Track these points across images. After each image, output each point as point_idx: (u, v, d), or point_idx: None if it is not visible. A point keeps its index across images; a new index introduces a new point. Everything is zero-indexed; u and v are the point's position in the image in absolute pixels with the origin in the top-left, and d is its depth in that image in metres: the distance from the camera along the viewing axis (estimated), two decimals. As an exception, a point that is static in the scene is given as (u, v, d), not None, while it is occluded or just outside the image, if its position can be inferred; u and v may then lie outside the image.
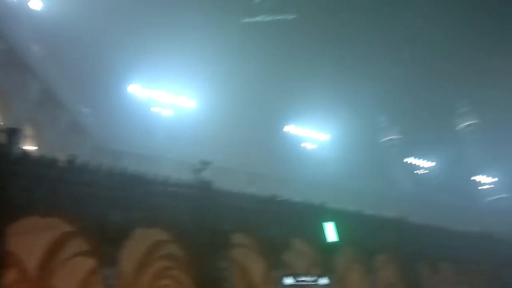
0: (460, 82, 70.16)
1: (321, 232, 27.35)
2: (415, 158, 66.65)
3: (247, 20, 63.37)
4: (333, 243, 27.25)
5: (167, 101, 46.00)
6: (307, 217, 27.91)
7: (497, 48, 68.68)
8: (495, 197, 65.44)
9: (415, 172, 66.78)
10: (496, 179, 66.62)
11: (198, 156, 26.52)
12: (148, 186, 21.40)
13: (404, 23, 68.09)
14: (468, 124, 71.66)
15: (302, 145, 56.21)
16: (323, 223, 27.64)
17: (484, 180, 66.84)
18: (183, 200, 22.41)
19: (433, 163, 66.88)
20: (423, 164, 66.85)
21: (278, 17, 65.43)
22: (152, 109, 46.06)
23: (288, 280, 24.72)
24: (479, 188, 67.12)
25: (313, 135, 56.51)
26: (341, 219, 28.47)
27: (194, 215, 22.33)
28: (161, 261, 24.90)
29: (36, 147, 31.69)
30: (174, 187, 22.56)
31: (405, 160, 66.86)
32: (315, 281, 25.45)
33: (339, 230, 27.60)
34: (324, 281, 25.63)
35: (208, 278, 21.29)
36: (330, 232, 27.55)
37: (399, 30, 68.69)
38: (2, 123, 27.74)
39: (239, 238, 24.23)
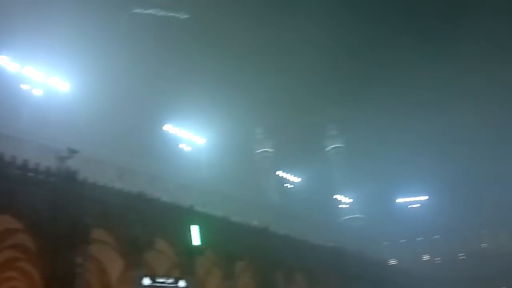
0: (332, 107, 75.66)
1: (185, 234, 27.29)
2: (285, 172, 69.77)
3: (138, 10, 61.49)
4: (196, 247, 27.33)
5: (38, 79, 42.41)
6: (173, 218, 27.66)
7: (369, 78, 75.15)
8: (350, 216, 71.05)
9: (284, 185, 69.89)
10: (351, 200, 72.21)
11: (66, 143, 24.92)
12: (2, 168, 19.54)
13: (284, 43, 71.72)
14: (335, 146, 76.74)
15: (179, 146, 55.65)
16: (188, 226, 27.62)
17: (343, 199, 72.27)
18: (41, 188, 20.78)
19: (300, 179, 70.62)
20: (292, 178, 70.27)
21: (169, 14, 64.45)
22: (21, 86, 42.02)
23: (146, 281, 24.21)
24: (339, 206, 72.35)
25: (191, 137, 56.16)
26: (206, 223, 28.71)
27: (52, 205, 20.83)
28: (8, 251, 22.91)
29: None
30: (32, 173, 20.85)
31: (276, 173, 69.61)
32: (174, 283, 25.27)
33: (203, 234, 27.78)
34: (182, 284, 25.57)
35: (59, 273, 19.94)
36: (195, 235, 27.62)
37: (280, 49, 72.04)
38: None
39: (99, 234, 23.13)
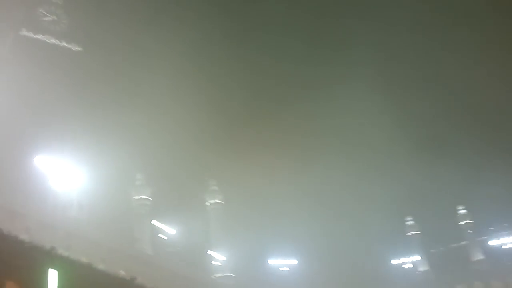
0: (214, 161, 76.02)
1: (42, 279, 24.50)
2: (161, 222, 67.52)
3: (26, 32, 57.82)
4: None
5: None
6: (30, 260, 24.79)
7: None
8: (222, 274, 70.04)
9: (158, 235, 67.34)
10: (225, 257, 71.58)
11: None
12: None
13: (164, 87, 71.49)
14: (214, 202, 76.50)
15: (50, 181, 51.23)
16: (46, 270, 24.92)
17: (217, 256, 71.34)
18: None
19: (175, 231, 68.73)
20: (167, 229, 68.12)
21: (62, 44, 61.56)
22: None
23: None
24: (212, 262, 71.18)
25: (64, 173, 52.10)
26: (68, 269, 26.22)
27: None
28: None
29: None
30: None
31: (151, 222, 66.98)
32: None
33: (62, 280, 25.22)
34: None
35: None
36: (52, 281, 24.95)
37: (161, 94, 71.51)
38: None
39: None
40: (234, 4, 78.87)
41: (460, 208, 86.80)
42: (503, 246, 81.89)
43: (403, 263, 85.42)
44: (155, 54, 70.82)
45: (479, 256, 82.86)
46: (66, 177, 52.30)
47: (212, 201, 76.16)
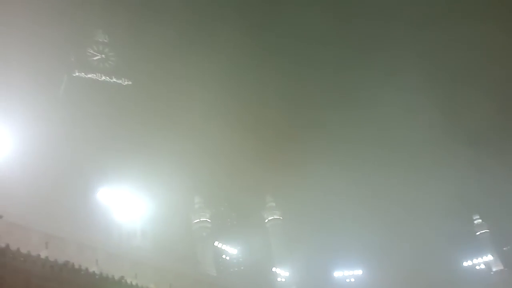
0: (270, 177, 76.41)
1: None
2: (222, 243, 68.31)
3: (78, 73, 61.13)
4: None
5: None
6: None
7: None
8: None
9: (221, 256, 68.14)
10: (288, 273, 71.14)
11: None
12: None
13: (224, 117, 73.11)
14: (273, 218, 76.50)
15: (114, 212, 53.28)
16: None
17: (281, 272, 71.09)
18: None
19: (237, 250, 69.25)
20: (229, 249, 68.79)
21: (112, 80, 64.52)
22: None
23: None
24: (277, 279, 71.01)
25: (130, 200, 53.99)
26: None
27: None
28: None
29: None
30: None
31: (213, 244, 67.93)
32: None
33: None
34: None
35: None
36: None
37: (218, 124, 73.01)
38: None
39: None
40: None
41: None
42: None
43: (475, 264, 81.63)
44: (196, 82, 72.83)
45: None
46: (128, 207, 54.16)
47: (270, 217, 76.26)
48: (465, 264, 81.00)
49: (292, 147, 77.90)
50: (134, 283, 29.61)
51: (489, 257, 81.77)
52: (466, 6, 79.99)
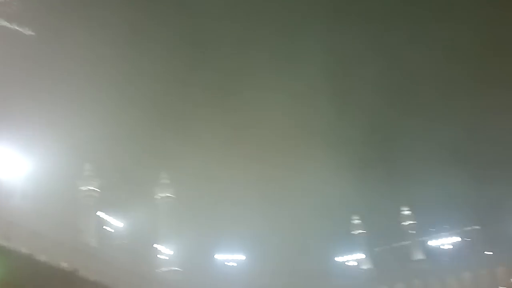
0: (165, 152, 75.17)
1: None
2: (107, 214, 66.29)
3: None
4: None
5: None
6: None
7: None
8: (168, 269, 69.61)
9: (104, 227, 66.11)
10: (172, 252, 71.11)
11: None
12: None
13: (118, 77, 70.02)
14: (164, 196, 75.71)
15: None
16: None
17: (164, 250, 70.84)
18: None
19: (122, 224, 67.67)
20: (114, 222, 66.98)
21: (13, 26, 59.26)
22: None
23: None
24: (158, 256, 70.60)
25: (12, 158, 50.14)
26: (6, 259, 25.53)
27: None
28: None
29: None
30: None
31: (97, 214, 65.66)
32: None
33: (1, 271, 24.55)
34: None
35: None
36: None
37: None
38: None
39: None
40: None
41: (404, 209, 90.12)
42: (441, 247, 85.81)
43: (347, 261, 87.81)
44: (85, 45, 68.79)
45: (419, 255, 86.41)
46: (10, 165, 50.49)
47: (162, 195, 75.48)
48: (337, 259, 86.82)
49: (191, 129, 77.14)
50: (5, 244, 27.87)
51: (360, 256, 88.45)
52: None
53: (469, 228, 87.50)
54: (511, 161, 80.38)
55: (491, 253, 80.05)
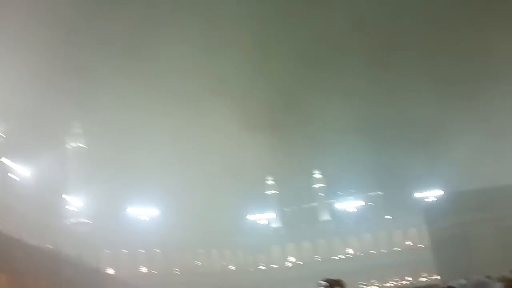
0: (77, 102, 71.61)
1: None
2: (13, 161, 62.58)
3: None
4: None
5: None
6: None
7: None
8: (77, 220, 67.80)
9: (8, 175, 62.43)
10: (82, 203, 69.16)
11: None
12: None
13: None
14: (77, 146, 72.81)
15: None
16: None
17: (73, 201, 68.68)
18: None
19: (29, 172, 64.38)
20: (20, 169, 63.48)
21: None
22: None
23: None
24: (66, 207, 68.39)
25: None
26: None
27: None
28: None
29: None
30: None
31: (1, 160, 61.75)
32: None
33: None
34: None
35: None
36: None
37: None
38: None
39: None
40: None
41: (315, 172, 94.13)
42: (347, 210, 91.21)
43: (258, 219, 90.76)
44: None
45: (326, 217, 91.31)
46: None
47: (73, 144, 72.54)
48: (249, 217, 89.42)
49: (104, 77, 73.27)
50: None
51: (271, 215, 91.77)
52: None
53: (372, 194, 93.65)
54: (410, 135, 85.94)
55: (390, 217, 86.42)
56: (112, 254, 68.35)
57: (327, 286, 7.32)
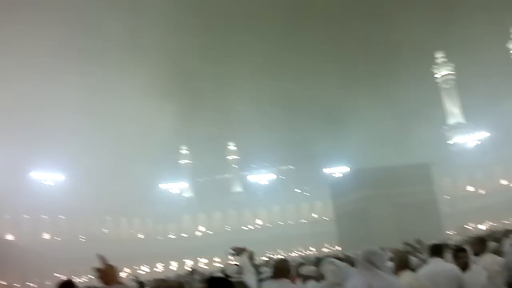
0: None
1: None
2: None
3: None
4: None
5: None
6: None
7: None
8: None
9: None
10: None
11: None
12: None
13: None
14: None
15: None
16: None
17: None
18: None
19: None
20: None
21: None
22: None
23: None
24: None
25: None
26: None
27: None
28: None
29: None
30: None
31: None
32: None
33: None
34: None
35: None
36: None
37: None
38: None
39: None
40: None
41: (229, 144, 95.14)
42: (259, 182, 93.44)
43: (170, 188, 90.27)
44: None
45: (238, 188, 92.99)
46: None
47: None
48: (161, 186, 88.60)
49: (16, 30, 67.62)
50: None
51: (184, 184, 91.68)
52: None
53: (284, 168, 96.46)
54: (320, 113, 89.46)
55: (299, 191, 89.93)
56: (12, 219, 64.75)
57: (234, 254, 7.69)
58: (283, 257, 18.60)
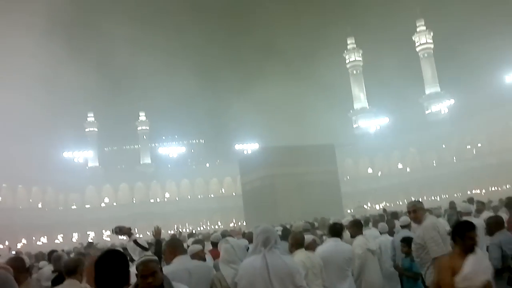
0: None
1: None
2: None
3: None
4: None
5: None
6: None
7: None
8: None
9: None
10: None
11: None
12: None
13: None
14: None
15: None
16: None
17: None
18: None
19: None
20: None
21: None
22: None
23: None
24: None
25: None
26: None
27: None
28: None
29: None
30: None
31: None
32: None
33: None
34: None
35: None
36: None
37: None
38: None
39: None
40: None
41: (140, 114, 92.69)
42: (169, 155, 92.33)
43: (75, 157, 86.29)
44: None
45: (146, 160, 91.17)
46: None
47: None
48: (65, 155, 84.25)
49: None
50: None
51: (89, 153, 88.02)
52: None
53: (195, 141, 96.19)
54: (233, 88, 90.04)
55: (208, 165, 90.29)
56: None
57: (117, 232, 7.76)
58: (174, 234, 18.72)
